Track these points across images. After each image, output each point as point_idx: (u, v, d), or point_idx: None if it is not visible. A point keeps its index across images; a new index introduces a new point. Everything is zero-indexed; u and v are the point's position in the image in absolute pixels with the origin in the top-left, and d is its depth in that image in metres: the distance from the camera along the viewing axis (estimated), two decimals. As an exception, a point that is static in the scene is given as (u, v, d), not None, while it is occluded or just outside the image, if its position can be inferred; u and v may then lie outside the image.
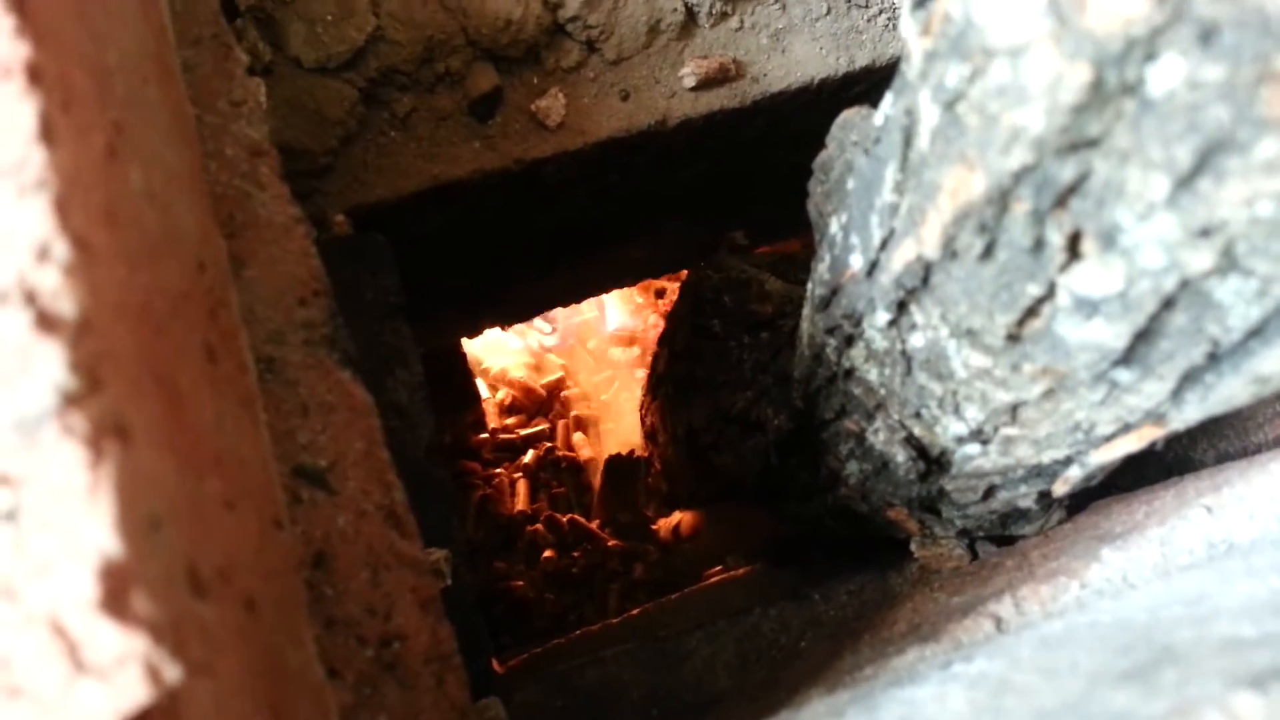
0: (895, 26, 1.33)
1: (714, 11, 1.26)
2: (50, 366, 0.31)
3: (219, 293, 0.59)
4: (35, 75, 0.34)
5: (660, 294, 2.62)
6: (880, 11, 1.33)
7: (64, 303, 0.32)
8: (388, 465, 0.68)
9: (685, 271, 1.74)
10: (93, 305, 0.33)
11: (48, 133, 0.33)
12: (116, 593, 0.29)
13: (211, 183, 0.68)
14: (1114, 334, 0.50)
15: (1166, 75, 0.37)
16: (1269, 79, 0.34)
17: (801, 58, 1.30)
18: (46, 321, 0.31)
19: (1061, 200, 0.46)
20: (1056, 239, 0.48)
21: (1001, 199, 0.47)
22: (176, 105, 0.62)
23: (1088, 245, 0.47)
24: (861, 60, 1.32)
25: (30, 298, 0.32)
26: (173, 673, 0.29)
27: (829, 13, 1.31)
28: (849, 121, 0.82)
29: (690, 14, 1.25)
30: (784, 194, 1.62)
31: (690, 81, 1.25)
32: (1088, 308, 0.49)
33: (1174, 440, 0.92)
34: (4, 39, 0.34)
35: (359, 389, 0.69)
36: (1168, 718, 0.36)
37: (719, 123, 1.29)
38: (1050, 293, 0.51)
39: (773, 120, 1.34)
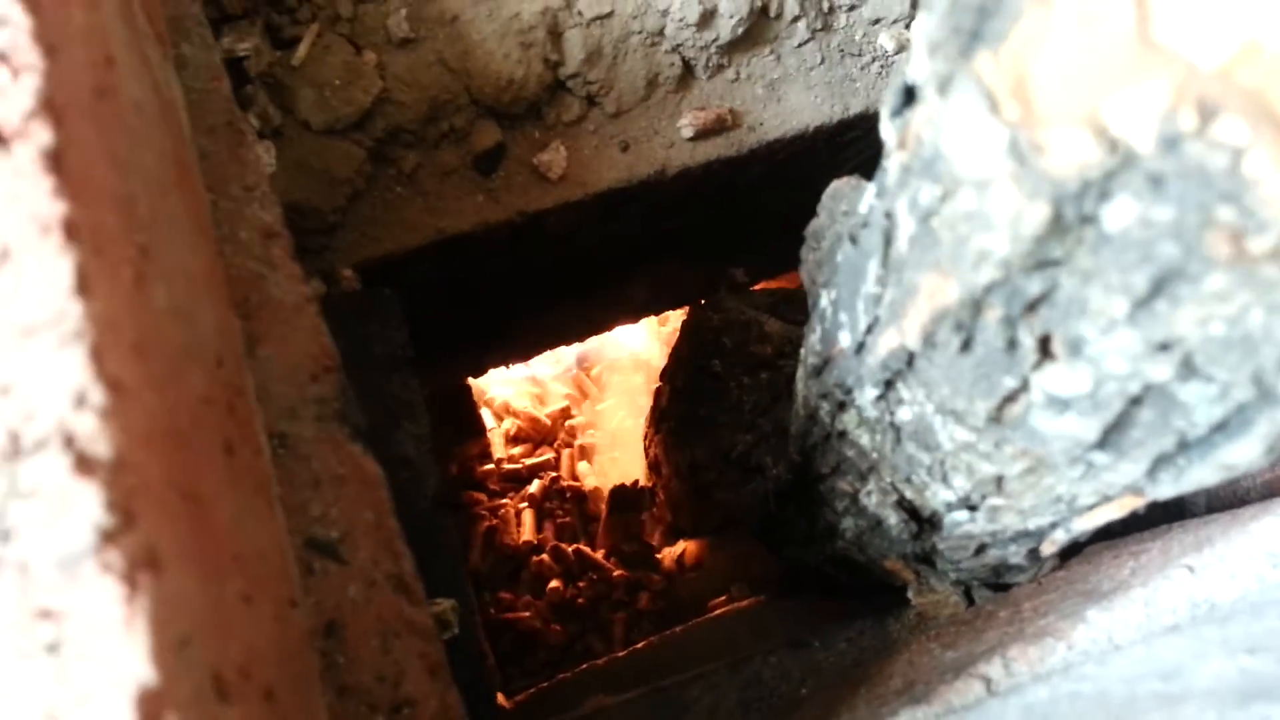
0: (888, 74, 1.36)
1: (710, 64, 1.29)
2: (88, 507, 0.34)
3: (236, 383, 0.62)
4: (72, 231, 0.37)
5: (665, 321, 2.65)
6: (874, 59, 1.36)
7: (100, 445, 0.35)
8: (396, 534, 0.71)
9: (687, 308, 1.77)
10: (125, 442, 0.36)
11: (83, 284, 0.36)
12: (152, 718, 0.32)
13: (226, 266, 0.71)
14: (1085, 427, 0.53)
15: (1120, 214, 0.40)
16: (1211, 225, 0.37)
17: (797, 106, 1.33)
18: (84, 464, 0.34)
19: (1031, 307, 0.48)
20: (1028, 341, 0.50)
21: (975, 305, 0.50)
22: (195, 200, 0.65)
23: (1058, 347, 0.50)
24: (856, 107, 1.35)
25: (69, 442, 0.35)
26: (203, 797, 0.32)
27: (823, 62, 1.34)
28: (839, 192, 0.85)
29: (687, 67, 1.29)
30: (781, 234, 1.65)
31: (688, 132, 1.29)
32: (1059, 404, 0.52)
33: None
34: (43, 199, 0.37)
35: (369, 461, 0.72)
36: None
37: (717, 171, 1.32)
38: (1024, 386, 0.54)
39: (770, 167, 1.37)
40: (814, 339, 0.79)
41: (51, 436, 0.35)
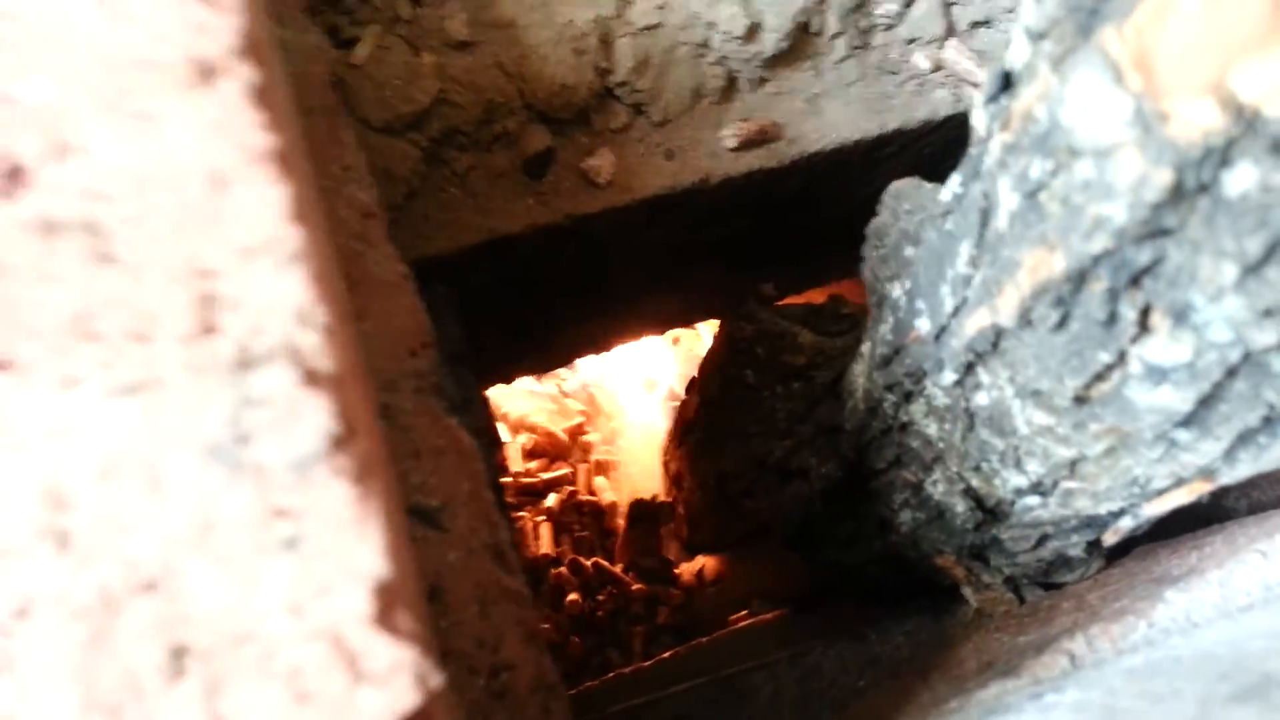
0: (923, 93, 1.41)
1: (753, 77, 1.33)
2: (319, 416, 0.36)
3: (357, 345, 0.64)
4: (281, 161, 0.40)
5: (677, 342, 2.69)
6: (910, 78, 1.41)
7: (325, 360, 0.37)
8: (492, 505, 0.73)
9: (715, 320, 1.81)
10: (345, 363, 0.38)
11: (297, 211, 0.39)
12: (387, 609, 0.34)
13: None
14: (1180, 399, 0.56)
15: (1240, 179, 0.43)
16: (1336, 184, 0.41)
17: (835, 121, 1.38)
18: (312, 377, 0.37)
19: (1136, 280, 0.52)
20: (1130, 313, 0.54)
21: (1080, 277, 0.53)
22: (307, 168, 0.68)
23: (1157, 319, 0.53)
24: (892, 124, 1.39)
25: (295, 356, 0.37)
26: (436, 680, 0.34)
27: (861, 79, 1.39)
28: (901, 191, 0.88)
29: (731, 79, 1.33)
30: (813, 249, 1.70)
31: (731, 143, 1.33)
32: (1157, 375, 0.55)
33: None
34: (257, 132, 0.40)
35: (464, 434, 0.75)
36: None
37: (758, 181, 1.36)
38: (1120, 360, 0.57)
39: (808, 179, 1.41)
40: (884, 329, 0.82)
41: (278, 350, 0.37)
